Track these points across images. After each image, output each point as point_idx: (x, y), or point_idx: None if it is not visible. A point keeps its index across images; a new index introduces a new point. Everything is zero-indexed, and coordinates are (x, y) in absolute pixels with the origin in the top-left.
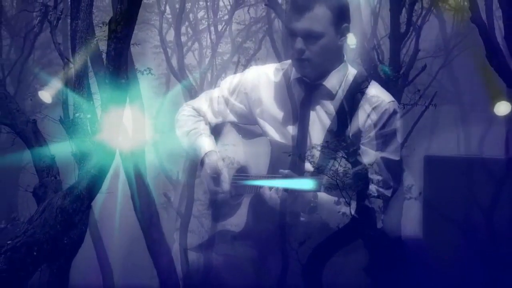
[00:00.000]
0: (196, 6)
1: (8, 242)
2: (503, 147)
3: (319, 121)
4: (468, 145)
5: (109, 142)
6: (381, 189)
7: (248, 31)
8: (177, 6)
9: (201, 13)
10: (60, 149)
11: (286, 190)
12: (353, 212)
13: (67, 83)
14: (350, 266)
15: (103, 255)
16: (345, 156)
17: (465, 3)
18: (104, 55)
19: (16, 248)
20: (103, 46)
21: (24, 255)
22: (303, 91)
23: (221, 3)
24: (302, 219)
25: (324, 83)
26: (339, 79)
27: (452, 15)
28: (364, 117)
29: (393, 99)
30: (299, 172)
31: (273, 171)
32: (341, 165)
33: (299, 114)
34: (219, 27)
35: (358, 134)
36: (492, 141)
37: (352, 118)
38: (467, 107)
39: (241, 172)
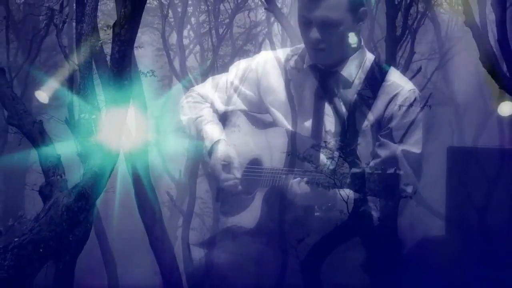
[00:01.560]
0: (198, 10)
1: (15, 239)
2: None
3: (335, 111)
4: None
5: (113, 142)
6: (401, 186)
7: (248, 34)
8: (179, 10)
9: (202, 17)
10: (65, 149)
11: (308, 184)
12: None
13: (72, 84)
14: (348, 263)
15: (107, 252)
16: (343, 156)
17: (459, 7)
18: (108, 58)
19: (23, 245)
20: (107, 49)
21: (30, 252)
22: (318, 79)
23: (222, 7)
24: (316, 214)
25: (341, 71)
26: (356, 66)
27: (447, 19)
28: (382, 107)
29: (413, 87)
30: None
31: (290, 164)
32: (338, 164)
33: (313, 104)
34: (220, 31)
35: (377, 125)
36: (485, 142)
37: (370, 108)
38: (461, 108)
39: (253, 164)
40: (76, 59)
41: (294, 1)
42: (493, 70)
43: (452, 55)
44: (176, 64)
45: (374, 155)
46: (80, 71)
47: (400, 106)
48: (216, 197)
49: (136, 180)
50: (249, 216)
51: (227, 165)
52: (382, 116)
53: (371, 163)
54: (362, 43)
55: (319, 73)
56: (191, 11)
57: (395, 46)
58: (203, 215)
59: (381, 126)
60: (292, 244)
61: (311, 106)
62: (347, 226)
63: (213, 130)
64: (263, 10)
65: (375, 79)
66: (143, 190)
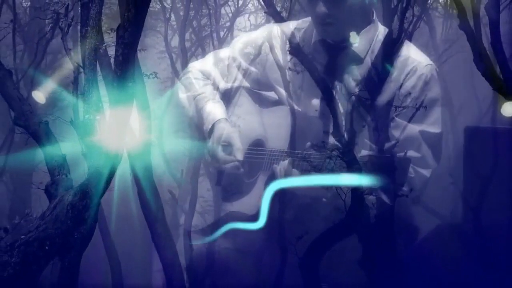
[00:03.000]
0: (199, 13)
1: (22, 236)
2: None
3: (346, 89)
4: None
5: (116, 142)
6: (419, 170)
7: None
8: (181, 13)
9: (204, 20)
10: (70, 148)
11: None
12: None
13: (77, 86)
14: (345, 259)
15: (111, 249)
16: (340, 156)
17: (454, 11)
18: (112, 60)
19: (29, 242)
20: (111, 52)
21: (36, 249)
22: (327, 55)
23: (223, 11)
24: (324, 200)
25: (351, 46)
26: (368, 41)
27: (441, 22)
28: (397, 84)
29: (430, 61)
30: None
31: (294, 146)
32: (336, 163)
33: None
34: (221, 34)
35: (391, 104)
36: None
37: (384, 86)
38: (456, 109)
39: (257, 146)
40: (81, 62)
41: (293, 5)
42: (486, 72)
43: (446, 57)
44: (178, 66)
45: (389, 138)
46: (85, 73)
47: (415, 83)
48: (216, 181)
49: (139, 179)
50: (251, 202)
51: (228, 146)
52: (396, 95)
53: (386, 146)
54: (374, 17)
55: (328, 48)
56: (192, 14)
57: (392, 49)
58: (204, 213)
59: (396, 105)
60: (295, 236)
61: (319, 84)
62: (345, 223)
63: (214, 109)
64: (263, 13)
65: (388, 54)
66: (146, 189)
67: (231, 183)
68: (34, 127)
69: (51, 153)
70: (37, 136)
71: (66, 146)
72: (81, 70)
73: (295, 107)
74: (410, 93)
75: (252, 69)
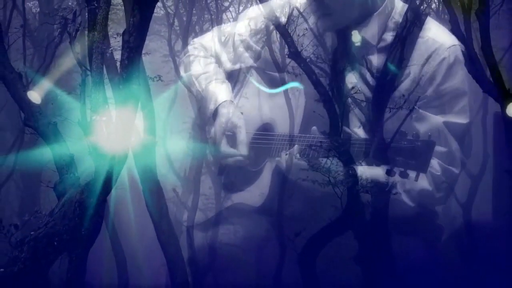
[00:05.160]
0: (202, 19)
1: (32, 233)
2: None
3: (360, 77)
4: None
5: (122, 142)
6: (446, 166)
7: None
8: (184, 19)
9: (206, 25)
10: (78, 148)
11: (305, 156)
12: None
13: (84, 88)
14: (341, 255)
15: (117, 244)
16: (337, 155)
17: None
18: (118, 64)
19: (38, 238)
20: (117, 55)
21: (45, 244)
22: (336, 40)
23: (224, 16)
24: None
25: (362, 32)
26: (381, 24)
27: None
28: (417, 70)
29: (456, 42)
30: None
31: (305, 130)
32: (333, 163)
33: (332, 68)
34: (223, 38)
35: (412, 93)
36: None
37: (403, 73)
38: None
39: (265, 130)
40: (88, 65)
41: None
42: (477, 75)
43: None
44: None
45: (411, 131)
46: (92, 76)
47: (438, 68)
48: (218, 171)
49: (144, 178)
50: (256, 192)
51: (232, 136)
52: (417, 82)
53: (408, 138)
54: None
55: (336, 33)
56: (195, 20)
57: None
58: (206, 210)
59: (418, 94)
60: (300, 229)
61: (331, 68)
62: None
63: (218, 90)
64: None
65: (406, 36)
66: (150, 187)
67: (234, 172)
68: (43, 128)
69: (60, 153)
70: (46, 136)
71: (74, 146)
72: (88, 73)
73: (305, 88)
74: (431, 80)
75: (260, 47)
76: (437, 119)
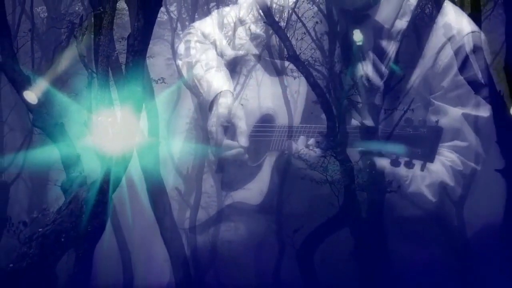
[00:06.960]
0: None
1: (39, 230)
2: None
3: (371, 64)
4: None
5: (127, 142)
6: (468, 162)
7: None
8: (187, 23)
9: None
10: (84, 148)
11: (322, 146)
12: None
13: (91, 90)
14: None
15: (122, 241)
16: (334, 155)
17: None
18: (123, 67)
19: (46, 235)
20: (122, 59)
21: (53, 241)
22: (345, 24)
23: (225, 21)
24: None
25: (373, 15)
26: (395, 7)
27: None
28: (431, 59)
29: (475, 28)
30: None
31: (308, 120)
32: (330, 162)
33: (341, 55)
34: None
35: (427, 83)
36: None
37: (418, 61)
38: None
39: (266, 121)
40: (94, 68)
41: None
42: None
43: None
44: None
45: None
46: (98, 79)
47: (455, 56)
48: (216, 168)
49: (148, 176)
50: (256, 189)
51: (230, 127)
52: (433, 71)
53: (414, 124)
54: None
55: (346, 16)
56: None
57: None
58: (208, 208)
59: (434, 84)
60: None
61: (338, 55)
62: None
63: (217, 79)
64: (263, 23)
65: (422, 20)
66: (154, 185)
67: (233, 170)
68: (50, 128)
69: (67, 152)
70: (54, 136)
71: (80, 146)
72: (94, 75)
73: (310, 79)
74: (448, 69)
75: (264, 35)
76: (455, 111)
